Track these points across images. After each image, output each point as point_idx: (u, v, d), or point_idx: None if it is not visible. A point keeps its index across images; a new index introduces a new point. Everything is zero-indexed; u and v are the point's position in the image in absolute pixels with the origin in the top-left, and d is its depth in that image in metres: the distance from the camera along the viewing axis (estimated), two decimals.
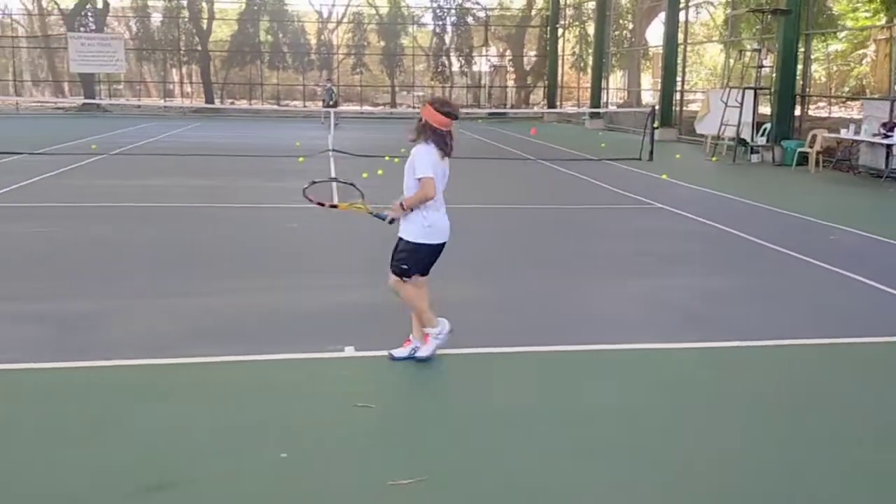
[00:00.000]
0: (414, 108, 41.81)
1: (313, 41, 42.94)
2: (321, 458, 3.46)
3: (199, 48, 40.46)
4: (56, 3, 41.15)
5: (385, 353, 4.73)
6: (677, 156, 18.73)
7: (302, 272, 6.81)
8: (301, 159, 16.00)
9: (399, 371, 4.53)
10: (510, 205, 10.92)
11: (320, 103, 35.73)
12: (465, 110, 39.86)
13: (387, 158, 16.06)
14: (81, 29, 38.17)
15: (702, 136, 21.03)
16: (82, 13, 38.97)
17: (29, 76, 44.83)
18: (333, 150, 17.50)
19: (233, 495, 3.13)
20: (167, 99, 41.98)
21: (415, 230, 4.43)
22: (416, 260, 4.46)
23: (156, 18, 41.66)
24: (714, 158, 18.11)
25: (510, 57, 44.49)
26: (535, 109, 39.81)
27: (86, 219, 9.16)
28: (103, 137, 20.84)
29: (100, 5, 39.62)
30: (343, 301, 5.89)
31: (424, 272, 4.54)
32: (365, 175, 13.30)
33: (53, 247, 7.66)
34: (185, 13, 40.33)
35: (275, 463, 3.38)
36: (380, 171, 13.87)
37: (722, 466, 3.44)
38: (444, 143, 4.33)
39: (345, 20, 43.84)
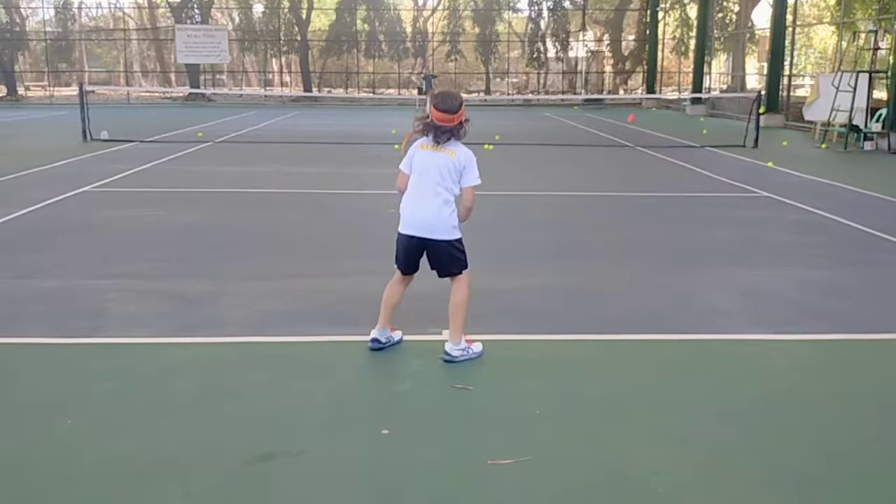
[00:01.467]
0: (508, 94, 41.70)
1: (409, 29, 43.32)
2: (421, 436, 3.51)
3: (299, 38, 41.47)
4: None
5: (483, 337, 4.76)
6: (784, 143, 17.99)
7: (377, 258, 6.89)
8: (397, 147, 16.18)
9: (495, 355, 4.54)
10: (606, 192, 10.74)
11: (415, 91, 36.07)
12: (560, 97, 39.52)
13: (486, 147, 16.09)
14: (188, 21, 39.71)
15: (811, 122, 20.13)
16: (188, 5, 40.51)
17: (138, 67, 47.06)
18: None
19: (336, 469, 3.21)
20: (267, 88, 43.25)
21: None
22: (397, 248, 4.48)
23: (257, 9, 42.91)
24: (824, 146, 17.31)
25: (608, 41, 43.70)
26: (634, 95, 38.96)
27: (194, 203, 9.56)
28: (208, 126, 21.68)
29: None
30: (442, 285, 5.93)
31: (400, 266, 4.49)
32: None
33: (167, 229, 8.02)
34: (286, 4, 41.36)
35: (377, 439, 3.46)
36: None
37: (831, 461, 3.30)
38: (437, 134, 4.24)
39: (440, 7, 44.04)
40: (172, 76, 44.68)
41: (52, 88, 42.67)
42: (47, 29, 44.02)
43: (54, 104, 35.90)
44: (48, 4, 42.68)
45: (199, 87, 39.27)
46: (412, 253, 4.41)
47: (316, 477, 3.15)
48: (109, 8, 45.55)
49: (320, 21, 43.81)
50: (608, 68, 43.38)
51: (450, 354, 4.37)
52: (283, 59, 45.26)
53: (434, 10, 44.84)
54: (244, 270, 6.34)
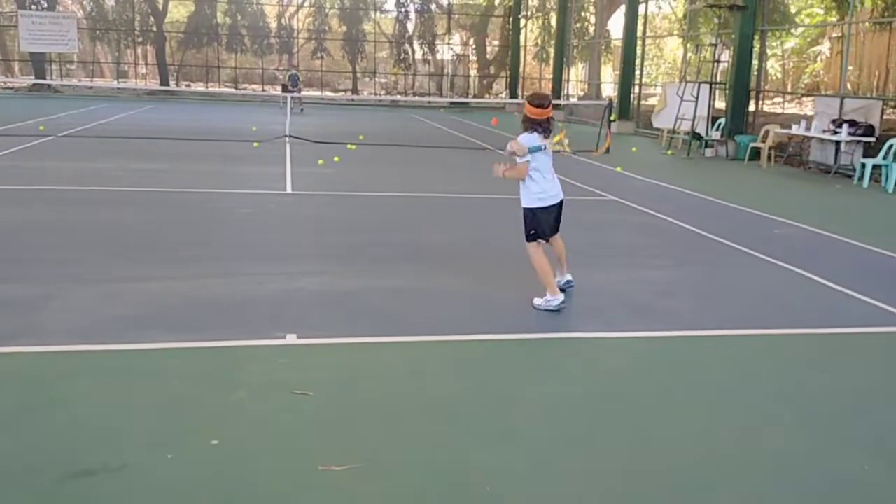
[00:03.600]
0: (376, 94, 41.63)
1: (273, 24, 42.39)
2: (253, 444, 3.41)
3: (155, 29, 39.68)
4: None
5: (328, 341, 4.72)
6: (634, 149, 18.90)
7: (250, 259, 6.71)
8: (256, 144, 15.81)
9: (341, 360, 4.50)
10: (460, 194, 10.90)
11: (279, 88, 35.36)
12: (427, 98, 39.85)
13: (349, 147, 15.96)
14: (32, 7, 37.13)
15: (658, 129, 21.26)
16: None
17: None
18: (290, 136, 17.31)
19: (160, 483, 3.07)
20: (121, 80, 41.10)
21: (525, 198, 5.57)
22: (534, 223, 5.53)
23: None
24: (669, 152, 18.32)
25: (473, 46, 44.45)
26: (498, 99, 39.84)
27: (27, 202, 8.93)
28: (53, 119, 20.35)
29: None
30: (291, 288, 5.82)
31: (548, 235, 5.60)
32: (321, 162, 13.22)
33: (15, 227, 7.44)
34: None
35: (206, 449, 3.33)
36: (336, 158, 13.78)
37: (665, 450, 3.48)
38: (542, 128, 5.43)
39: (306, 4, 43.39)
40: (16, 65, 41.63)
41: None
42: None
43: None
44: None
45: (44, 78, 36.78)
46: (553, 219, 5.64)
47: (137, 493, 3.00)
48: None
49: (178, 12, 42.08)
50: (473, 72, 44.13)
51: (571, 282, 5.94)
52: (139, 50, 43.13)
53: (300, 7, 44.09)
54: (77, 273, 5.97)
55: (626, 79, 25.01)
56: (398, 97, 39.32)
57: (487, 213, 9.66)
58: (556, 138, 6.28)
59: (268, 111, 27.94)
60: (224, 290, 5.73)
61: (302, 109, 29.05)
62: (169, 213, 8.66)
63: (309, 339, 4.76)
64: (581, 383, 4.29)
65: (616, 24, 35.02)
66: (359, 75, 43.27)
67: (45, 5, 37.36)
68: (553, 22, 34.88)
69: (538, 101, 5.50)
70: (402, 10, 42.29)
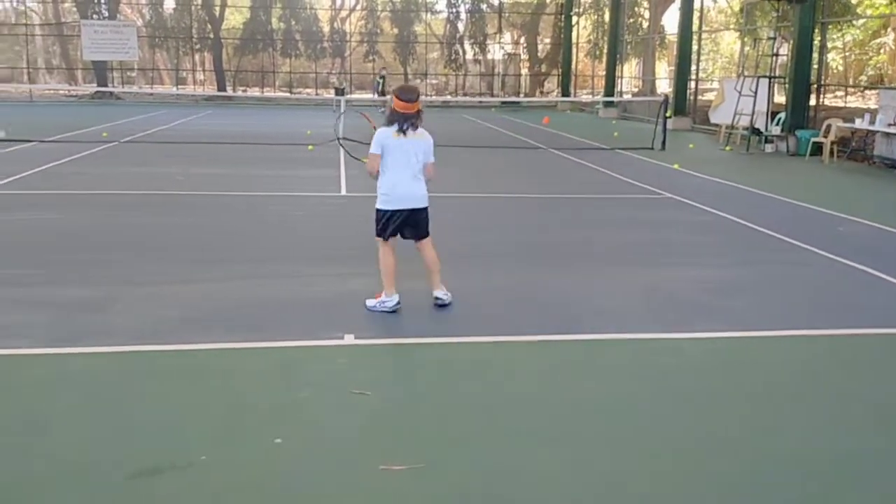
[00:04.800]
0: (427, 96, 41.75)
1: (326, 29, 42.89)
2: (316, 443, 3.45)
3: (212, 35, 40.50)
4: None
5: (385, 341, 4.74)
6: (691, 145, 18.58)
7: (307, 260, 6.80)
8: (311, 147, 16.00)
9: (397, 360, 4.52)
10: (517, 194, 10.85)
11: (332, 91, 35.74)
12: (478, 98, 39.84)
13: None
14: (94, 16, 38.25)
15: (716, 125, 20.86)
16: (95, 0, 39.05)
17: (43, 64, 45.06)
18: (344, 139, 17.45)
19: (225, 481, 3.13)
20: (180, 86, 42.09)
21: (378, 198, 5.25)
22: (378, 222, 5.24)
23: (168, 5, 41.71)
24: (728, 148, 17.95)
25: (524, 45, 44.26)
26: (549, 98, 39.59)
27: (93, 206, 9.20)
28: (115, 125, 20.93)
29: None
30: (345, 289, 5.87)
31: (387, 235, 5.24)
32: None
33: (58, 234, 7.68)
34: (198, 0, 40.36)
35: (270, 448, 3.38)
36: None
37: (719, 451, 3.41)
38: (406, 122, 5.12)
39: (358, 7, 43.77)
40: (79, 73, 42.99)
41: None
42: None
43: None
44: None
45: (106, 85, 37.87)
46: (400, 223, 5.22)
47: (204, 490, 3.06)
48: (11, 2, 43.48)
49: (234, 19, 42.90)
50: (525, 71, 43.95)
51: (442, 300, 5.36)
52: (197, 56, 44.12)
53: (352, 10, 44.55)
54: (138, 276, 6.12)
55: (682, 74, 24.60)
56: (448, 98, 39.41)
57: (542, 212, 9.60)
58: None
59: (321, 115, 28.26)
60: (281, 291, 5.81)
61: (383, 112, 29.34)
62: (227, 215, 8.82)
63: (366, 339, 4.79)
64: (639, 385, 4.22)
65: (670, 19, 34.47)
66: (409, 77, 43.47)
67: (106, 14, 38.46)
68: (606, 18, 34.51)
69: (405, 94, 5.19)
70: (453, 10, 42.37)
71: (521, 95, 41.27)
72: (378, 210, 5.24)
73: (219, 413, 3.75)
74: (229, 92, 39.39)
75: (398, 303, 5.21)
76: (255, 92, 41.07)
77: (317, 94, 40.39)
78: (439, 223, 8.69)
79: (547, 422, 3.72)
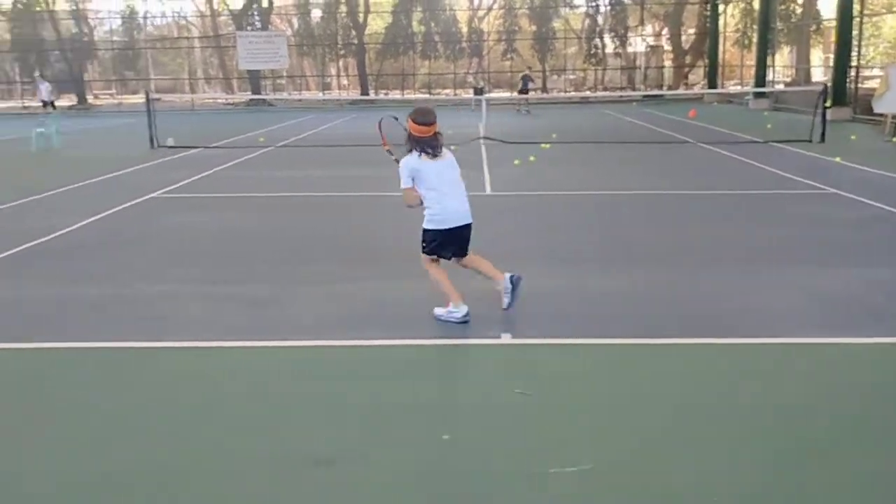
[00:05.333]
0: (565, 92, 41.36)
1: (464, 29, 43.36)
2: (482, 441, 3.52)
3: (356, 41, 41.88)
4: (226, 4, 43.80)
5: (543, 341, 4.76)
6: (852, 137, 17.42)
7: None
8: (454, 147, 16.22)
9: (556, 360, 4.52)
10: (665, 190, 10.56)
11: (471, 91, 36.08)
12: (618, 93, 39.04)
13: (543, 146, 16.02)
14: (248, 28, 40.48)
15: (880, 115, 19.43)
16: (249, 12, 41.32)
17: (202, 74, 48.14)
18: (485, 138, 17.63)
19: (395, 472, 3.25)
20: (325, 91, 43.81)
21: (425, 218, 5.10)
22: (431, 243, 5.08)
23: (315, 14, 43.48)
24: (894, 140, 16.69)
25: (667, 36, 42.97)
26: (695, 90, 38.22)
27: (257, 209, 9.75)
28: (269, 130, 22.09)
29: (265, 4, 41.80)
30: (498, 288, 5.92)
31: (449, 255, 5.14)
32: (517, 162, 13.36)
33: (229, 234, 8.20)
34: (343, 8, 41.85)
35: (438, 443, 3.48)
36: (532, 158, 13.86)
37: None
38: (428, 147, 4.95)
39: (496, 6, 43.95)
40: (234, 82, 45.66)
41: (120, 96, 44.07)
42: (114, 38, 45.44)
43: (122, 112, 37.03)
44: (115, 14, 44.06)
45: (259, 93, 40.01)
46: (464, 239, 5.11)
47: (375, 483, 3.19)
48: (173, 17, 46.76)
49: (376, 24, 44.17)
50: (668, 63, 42.65)
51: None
52: (341, 62, 45.80)
53: (489, 9, 44.80)
54: (304, 275, 6.44)
55: (842, 61, 23.08)
56: (587, 93, 38.86)
57: (694, 209, 9.29)
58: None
59: (460, 114, 28.60)
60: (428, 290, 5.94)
61: (528, 111, 29.44)
62: (378, 216, 9.12)
63: (523, 338, 4.83)
64: (801, 393, 4.02)
65: (826, 4, 32.41)
66: (547, 73, 43.21)
67: (259, 26, 40.60)
68: (755, 5, 32.89)
69: (422, 118, 4.95)
70: (593, 4, 41.73)
71: (665, 88, 40.08)
72: (430, 231, 5.08)
73: (382, 407, 3.89)
74: (371, 95, 40.58)
75: (467, 313, 5.03)
76: (395, 94, 42.12)
77: (455, 95, 40.92)
78: (584, 221, 8.64)
79: (706, 425, 3.61)
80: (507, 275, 5.15)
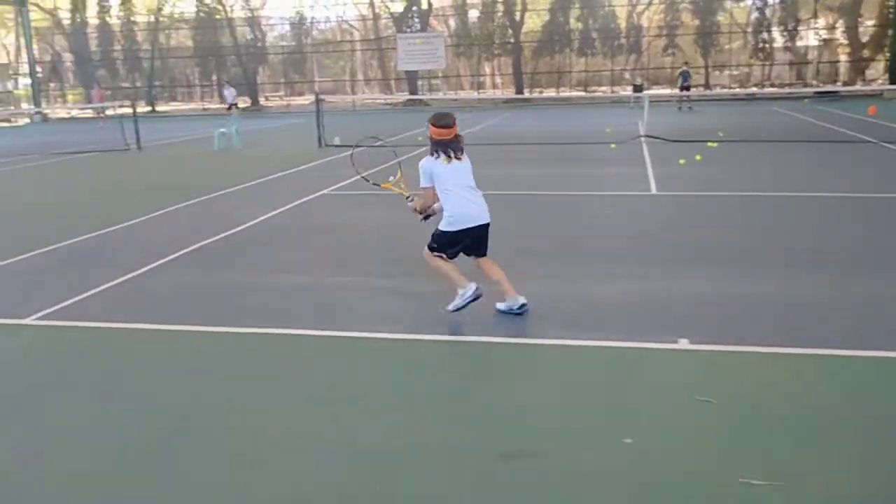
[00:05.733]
0: (729, 88, 39.61)
1: (623, 25, 42.51)
2: (665, 446, 3.45)
3: (512, 40, 42.06)
4: (387, 7, 45.22)
5: (721, 348, 4.60)
6: None
7: (628, 260, 6.80)
8: (613, 146, 15.97)
9: (738, 367, 4.36)
10: (848, 193, 9.88)
11: (628, 88, 35.33)
12: (787, 89, 36.90)
13: (710, 145, 15.46)
14: (407, 30, 41.62)
15: None
16: (409, 15, 42.45)
17: (361, 76, 49.98)
18: (646, 136, 17.21)
19: (578, 472, 3.25)
20: (480, 91, 44.27)
21: (442, 220, 5.21)
22: (440, 243, 5.20)
23: (473, 14, 44.04)
24: None
25: (842, 28, 40.17)
26: (873, 86, 35.49)
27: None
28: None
29: (424, 6, 42.80)
30: (674, 291, 5.79)
31: (448, 255, 5.21)
32: (682, 161, 12.95)
33: (399, 230, 8.49)
34: (501, 7, 42.13)
35: (619, 447, 3.45)
36: (698, 157, 13.39)
37: None
38: (449, 149, 5.09)
39: (656, 0, 42.78)
40: (392, 83, 47.07)
41: (288, 98, 46.58)
42: (282, 43, 48.03)
43: (290, 112, 39.11)
44: (284, 20, 46.58)
45: (416, 93, 41.02)
46: (471, 241, 5.20)
47: (557, 480, 3.21)
48: (337, 21, 48.84)
49: (533, 22, 44.13)
50: (843, 57, 39.85)
51: (525, 305, 5.23)
52: (496, 61, 46.14)
53: (649, 4, 43.64)
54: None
55: None
56: (753, 89, 37.02)
57: (879, 214, 8.65)
58: (388, 184, 5.88)
59: (618, 112, 28.07)
60: (604, 290, 5.88)
61: (690, 108, 28.66)
62: (545, 214, 9.12)
63: (701, 344, 4.68)
64: None
65: None
66: (710, 69, 41.57)
67: (418, 27, 41.63)
68: None
69: (441, 121, 5.11)
70: None
71: (839, 84, 37.49)
72: (445, 232, 5.17)
73: (561, 405, 3.89)
74: (526, 94, 40.61)
75: (478, 288, 5.17)
76: (550, 92, 41.93)
77: (612, 92, 40.21)
78: (759, 224, 8.22)
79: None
80: (522, 299, 5.23)
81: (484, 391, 4.14)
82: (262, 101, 46.57)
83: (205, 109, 44.34)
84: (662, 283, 6.04)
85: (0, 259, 7.39)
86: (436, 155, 5.12)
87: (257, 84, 46.41)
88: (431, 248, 5.29)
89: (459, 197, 5.12)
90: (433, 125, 5.14)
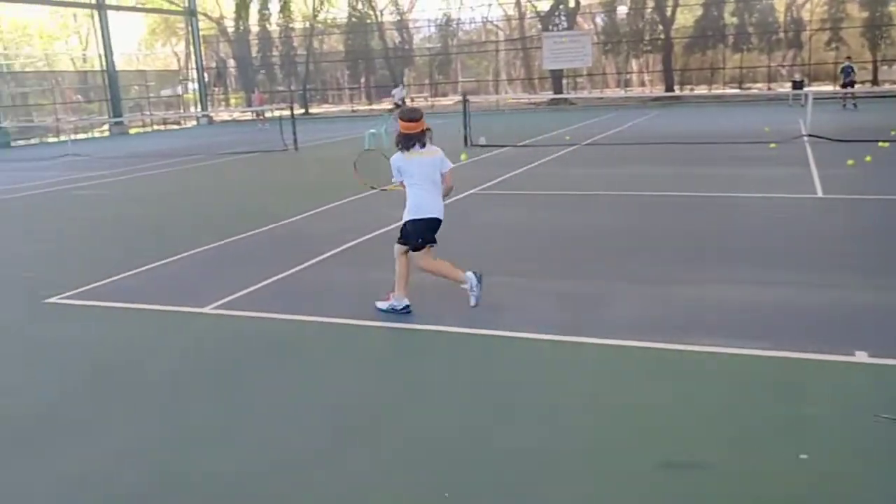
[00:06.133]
0: None
1: (781, 18, 40.36)
2: (842, 466, 3.25)
3: (662, 36, 40.88)
4: (533, 6, 45.13)
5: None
6: None
7: (783, 266, 6.45)
8: (772, 145, 15.18)
9: None
10: None
11: (787, 85, 33.49)
12: None
13: (882, 145, 14.42)
14: (553, 28, 41.34)
15: None
16: (555, 13, 42.17)
17: (504, 75, 50.08)
18: (809, 136, 16.25)
19: (750, 487, 3.12)
20: (626, 89, 43.32)
21: (405, 211, 5.60)
22: (404, 233, 5.64)
23: (621, 11, 43.17)
24: None
25: None
26: None
27: (574, 205, 9.93)
28: (573, 129, 22.37)
29: (571, 4, 42.40)
30: (844, 300, 5.44)
31: (424, 242, 5.57)
32: (850, 162, 12.14)
33: (549, 231, 8.46)
34: (651, 3, 41.06)
35: (796, 463, 3.28)
36: (867, 158, 12.51)
37: None
38: (416, 142, 5.49)
39: None
40: (536, 82, 46.89)
41: (432, 99, 47.42)
42: (428, 45, 48.94)
43: (435, 113, 39.80)
44: (431, 22, 47.46)
45: (561, 92, 40.68)
46: (432, 230, 5.60)
47: (723, 494, 3.09)
48: (482, 22, 49.20)
49: (685, 17, 42.67)
50: None
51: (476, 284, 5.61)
52: (644, 58, 44.99)
53: None
54: (628, 274, 6.43)
55: None
56: None
57: None
58: (392, 186, 6.05)
59: (776, 110, 26.66)
60: (768, 297, 5.60)
61: (855, 105, 27.00)
62: (699, 216, 8.80)
63: (882, 357, 4.37)
64: None
65: None
66: (878, 64, 38.68)
67: (565, 25, 41.27)
68: None
69: (409, 115, 5.57)
70: None
71: None
72: (407, 222, 5.56)
73: (728, 415, 3.75)
74: (676, 91, 39.36)
75: (408, 306, 5.56)
76: (701, 90, 40.41)
77: (768, 89, 38.27)
78: None
79: None
80: (470, 272, 5.57)
81: (647, 397, 4.05)
82: (408, 102, 47.68)
83: (353, 111, 45.91)
84: (833, 291, 5.69)
85: (180, 252, 7.98)
86: (402, 150, 5.54)
87: (404, 85, 47.57)
88: (399, 241, 5.70)
89: (421, 190, 5.54)
90: (402, 119, 5.62)
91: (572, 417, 3.85)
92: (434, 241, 5.64)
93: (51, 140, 32.49)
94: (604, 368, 4.48)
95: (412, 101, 48.10)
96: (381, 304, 5.69)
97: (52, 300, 6.40)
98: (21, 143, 31.56)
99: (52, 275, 7.35)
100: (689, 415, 3.80)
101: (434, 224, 5.61)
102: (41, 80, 37.91)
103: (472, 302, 5.53)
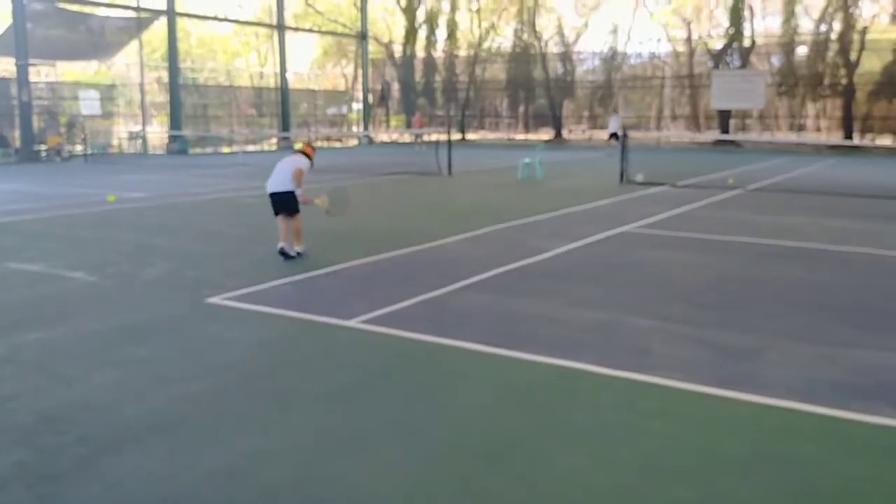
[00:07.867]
0: None
1: None
2: None
3: (844, 81, 38.51)
4: (705, 43, 43.87)
5: None
6: None
7: None
8: None
9: None
10: None
11: None
12: None
13: None
14: (724, 67, 39.92)
15: None
16: (728, 52, 40.75)
17: (668, 112, 48.82)
18: None
19: None
20: (800, 133, 41.04)
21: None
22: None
23: (800, 52, 41.09)
24: None
25: None
26: None
27: (734, 253, 9.44)
28: (737, 171, 21.38)
29: (746, 43, 40.87)
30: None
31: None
32: None
33: (703, 276, 8.07)
34: (834, 45, 38.83)
35: None
36: None
37: None
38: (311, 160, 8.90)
39: None
40: (701, 121, 45.35)
41: (589, 131, 46.94)
42: (591, 78, 48.56)
43: (591, 146, 39.40)
44: (596, 55, 47.12)
45: (728, 132, 39.13)
46: (276, 203, 8.72)
47: None
48: (649, 57, 48.29)
49: (871, 62, 39.98)
50: None
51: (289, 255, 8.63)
52: (821, 103, 42.47)
53: None
54: (787, 329, 6.00)
55: None
56: None
57: None
58: (317, 201, 8.93)
59: None
60: None
61: None
62: (872, 276, 8.11)
63: None
64: None
65: None
66: None
67: (738, 64, 39.78)
68: None
69: (312, 147, 9.00)
70: None
71: None
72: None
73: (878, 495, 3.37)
74: (856, 140, 36.86)
75: (281, 249, 8.55)
76: (885, 140, 37.63)
77: None
78: None
79: None
80: (284, 245, 8.56)
81: (790, 463, 3.72)
82: (564, 133, 47.44)
83: (509, 140, 46.23)
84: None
85: (335, 263, 8.26)
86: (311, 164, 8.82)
87: (561, 117, 47.38)
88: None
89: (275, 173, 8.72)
90: (311, 148, 9.00)
91: (725, 480, 3.59)
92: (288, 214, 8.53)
93: (224, 150, 34.85)
94: (764, 431, 4.16)
95: (569, 132, 47.98)
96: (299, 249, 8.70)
97: (212, 300, 6.78)
98: (198, 150, 33.99)
99: (215, 275, 7.80)
100: (832, 485, 3.45)
101: (275, 198, 8.56)
102: (221, 94, 40.77)
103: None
